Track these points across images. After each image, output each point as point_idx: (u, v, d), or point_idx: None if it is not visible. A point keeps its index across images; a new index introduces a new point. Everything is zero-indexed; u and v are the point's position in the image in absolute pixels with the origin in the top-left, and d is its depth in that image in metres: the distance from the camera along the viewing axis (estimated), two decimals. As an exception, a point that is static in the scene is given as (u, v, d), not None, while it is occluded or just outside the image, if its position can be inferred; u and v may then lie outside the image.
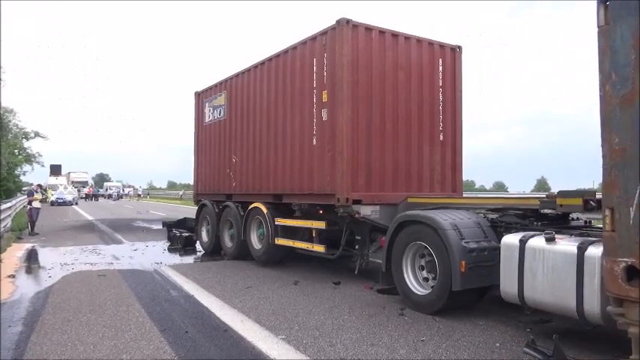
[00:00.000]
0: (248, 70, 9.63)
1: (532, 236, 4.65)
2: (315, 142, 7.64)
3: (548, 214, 5.31)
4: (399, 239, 6.12)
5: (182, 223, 13.22)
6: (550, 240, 4.41)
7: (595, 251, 4.04)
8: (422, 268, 6.04)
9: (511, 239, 4.80)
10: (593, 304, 4.02)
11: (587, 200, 4.53)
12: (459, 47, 8.30)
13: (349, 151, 7.10)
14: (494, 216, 5.84)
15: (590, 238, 4.28)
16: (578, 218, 5.66)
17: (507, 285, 4.78)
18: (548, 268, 4.37)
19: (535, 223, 5.31)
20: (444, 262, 5.40)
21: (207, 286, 7.30)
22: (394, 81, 7.57)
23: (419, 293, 5.84)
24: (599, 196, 4.30)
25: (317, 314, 5.70)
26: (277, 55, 8.66)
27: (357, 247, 7.51)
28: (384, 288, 6.85)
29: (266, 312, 5.80)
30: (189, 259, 10.63)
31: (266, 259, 9.11)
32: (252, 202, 9.41)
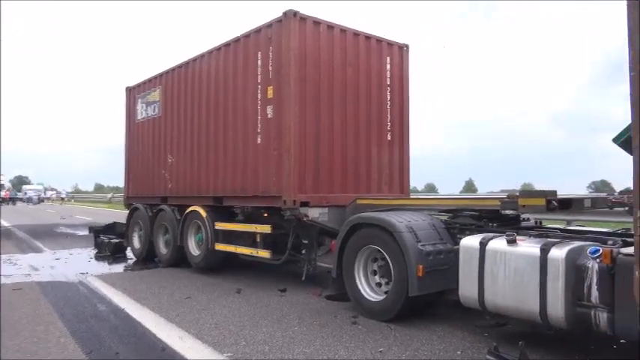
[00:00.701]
0: (186, 63, 9.01)
1: (492, 238, 4.49)
2: (259, 141, 7.20)
3: (500, 216, 5.21)
4: (351, 243, 5.81)
5: (111, 229, 12.23)
6: (512, 242, 4.25)
7: (558, 253, 3.91)
8: (374, 272, 5.77)
9: (471, 241, 4.61)
10: (557, 307, 3.88)
11: (550, 200, 4.42)
12: (407, 46, 8.16)
13: (297, 150, 6.72)
14: (444, 217, 5.69)
15: (551, 240, 4.16)
16: (528, 219, 5.62)
17: (467, 289, 4.59)
18: (510, 271, 4.21)
19: (491, 224, 5.19)
20: (400, 267, 5.14)
21: (139, 298, 6.63)
22: (343, 78, 7.28)
23: (372, 300, 5.55)
24: (560, 196, 4.22)
25: (264, 326, 5.25)
26: (218, 49, 8.13)
27: (304, 251, 7.13)
28: (332, 294, 6.52)
29: (208, 326, 5.28)
30: (119, 268, 9.77)
31: (205, 266, 8.52)
32: (189, 206, 8.78)
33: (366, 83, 7.56)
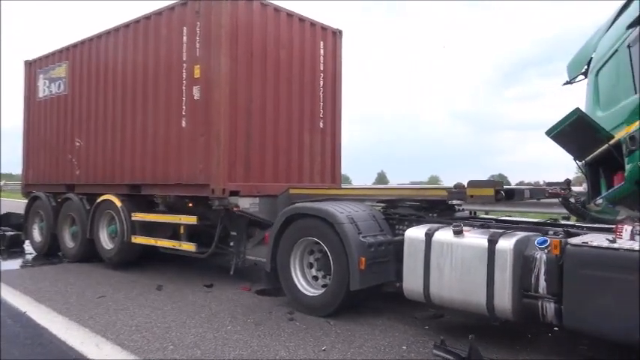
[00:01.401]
0: (99, 36, 8.10)
1: (437, 229, 4.37)
2: (184, 125, 6.61)
3: (434, 206, 5.15)
4: (286, 235, 5.47)
5: (5, 220, 10.85)
6: (458, 233, 4.16)
7: (506, 244, 3.87)
8: (311, 266, 5.49)
9: (416, 233, 4.48)
10: (504, 299, 3.84)
11: (498, 191, 4.39)
12: (340, 31, 7.92)
13: (227, 135, 6.24)
14: (378, 208, 5.54)
15: (497, 230, 4.12)
16: (462, 209, 5.63)
17: (411, 282, 4.45)
18: (456, 262, 4.12)
19: (431, 215, 5.12)
20: (340, 260, 4.90)
21: (43, 299, 5.84)
22: (276, 61, 6.88)
23: (310, 294, 5.27)
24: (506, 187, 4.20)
25: (193, 326, 4.78)
26: (137, 21, 7.37)
27: (232, 244, 6.68)
28: (264, 289, 6.17)
29: (128, 329, 4.71)
30: (15, 264, 8.66)
31: (119, 261, 7.76)
32: (101, 194, 7.95)
33: (299, 68, 7.22)
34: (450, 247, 4.16)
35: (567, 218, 5.36)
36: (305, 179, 7.35)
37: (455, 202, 4.73)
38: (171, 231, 7.39)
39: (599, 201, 4.72)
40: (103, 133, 7.97)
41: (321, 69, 7.60)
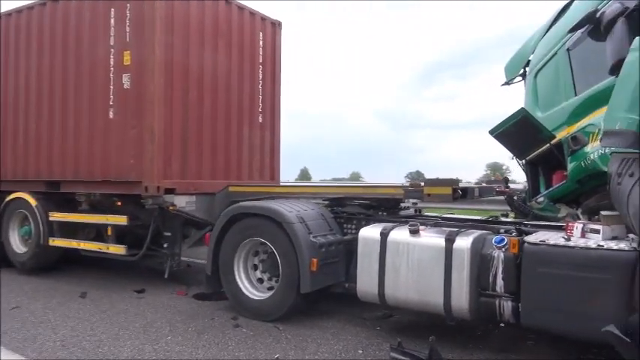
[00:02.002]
0: (8, 14, 7.20)
1: (392, 228, 4.27)
2: (112, 116, 6.03)
3: (380, 204, 5.07)
4: (230, 236, 5.14)
5: None
6: (415, 232, 4.08)
7: (464, 243, 3.84)
8: (255, 267, 5.21)
9: (370, 232, 4.35)
10: (461, 298, 3.81)
11: (455, 189, 4.36)
12: (279, 23, 7.64)
13: (162, 129, 5.77)
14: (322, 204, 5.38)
15: (453, 229, 4.08)
16: (407, 207, 5.61)
17: (366, 283, 4.32)
18: (413, 262, 4.04)
19: (380, 213, 5.03)
20: (290, 261, 4.66)
21: (-57, 313, 5.08)
22: (214, 50, 6.48)
23: (256, 298, 4.99)
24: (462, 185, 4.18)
25: (128, 339, 4.34)
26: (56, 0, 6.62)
27: (165, 245, 6.21)
28: (202, 293, 5.79)
29: (52, 345, 4.18)
30: None
31: (34, 266, 6.98)
32: (11, 192, 7.11)
33: (238, 58, 6.86)
34: (407, 246, 4.07)
35: (506, 215, 5.51)
36: (244, 176, 7.01)
37: (412, 200, 4.67)
38: (95, 232, 6.76)
39: (541, 199, 4.87)
40: (14, 123, 7.11)
41: (260, 61, 7.28)
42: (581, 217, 4.59)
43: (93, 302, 5.56)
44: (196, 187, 6.20)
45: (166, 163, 5.87)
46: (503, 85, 6.21)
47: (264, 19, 7.33)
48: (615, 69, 3.97)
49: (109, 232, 6.24)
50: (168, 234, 6.16)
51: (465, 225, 4.40)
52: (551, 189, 4.85)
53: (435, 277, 3.90)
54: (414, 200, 4.61)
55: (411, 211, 5.48)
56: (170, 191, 5.88)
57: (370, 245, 4.28)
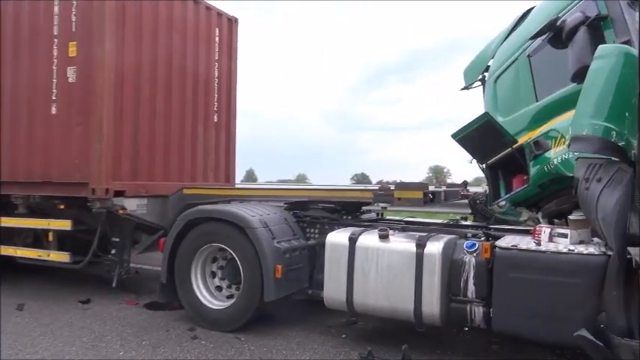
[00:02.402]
0: None
1: (361, 233, 4.16)
2: (55, 111, 5.56)
3: (343, 207, 4.96)
4: (187, 241, 4.85)
5: None
6: (384, 237, 3.98)
7: (435, 248, 3.78)
8: (213, 275, 4.95)
9: (339, 237, 4.21)
10: (432, 304, 3.74)
11: (426, 193, 4.30)
12: (236, 19, 7.38)
13: (111, 126, 5.37)
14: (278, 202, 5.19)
15: (423, 234, 4.02)
16: (369, 210, 5.53)
17: (333, 290, 4.17)
18: (383, 268, 3.94)
19: (346, 217, 4.91)
20: (252, 268, 4.45)
21: None
22: (168, 45, 6.14)
23: (215, 307, 4.72)
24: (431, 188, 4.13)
25: (75, 355, 3.98)
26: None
27: (113, 251, 5.80)
28: (152, 302, 5.45)
29: (-14, 365, 3.75)
30: None
31: (-39, 276, 6.34)
32: None
33: (194, 54, 6.55)
34: (376, 252, 3.97)
35: (465, 219, 5.54)
36: (198, 178, 6.70)
37: (382, 204, 4.57)
38: (32, 237, 6.23)
39: (503, 202, 4.91)
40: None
41: (216, 58, 6.99)
42: (541, 220, 4.67)
43: (32, 315, 5.09)
44: (148, 189, 5.83)
45: (116, 163, 5.48)
46: (462, 89, 6.26)
47: (220, 14, 7.05)
48: (577, 76, 4.06)
49: (51, 238, 5.76)
50: (117, 239, 5.77)
51: (432, 229, 4.36)
52: (512, 193, 4.90)
53: (405, 283, 3.82)
54: (384, 204, 4.52)
55: (373, 215, 5.40)
56: (119, 193, 5.49)
57: (338, 251, 4.14)
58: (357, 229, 4.24)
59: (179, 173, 6.36)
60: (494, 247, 3.60)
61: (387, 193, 4.30)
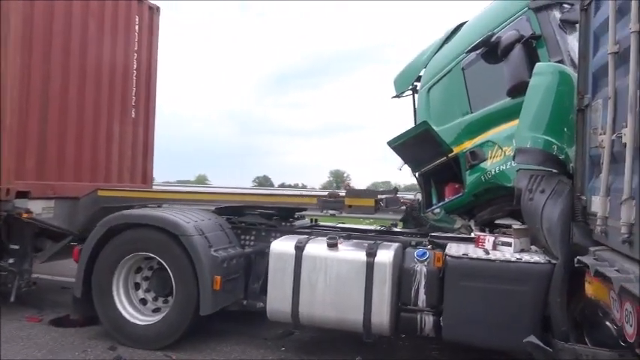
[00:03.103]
0: None
1: (307, 242, 3.99)
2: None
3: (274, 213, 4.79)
4: (109, 250, 4.35)
5: None
6: (333, 246, 3.85)
7: (386, 257, 3.72)
8: (137, 286, 4.49)
9: (284, 246, 4.00)
10: (382, 314, 3.68)
11: (378, 201, 4.22)
12: (157, 8, 6.85)
13: (14, 119, 4.68)
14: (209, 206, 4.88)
15: (371, 242, 3.94)
16: (303, 216, 5.39)
17: (277, 302, 3.95)
18: (331, 278, 3.80)
19: (287, 223, 4.71)
20: (187, 279, 4.09)
21: None
22: (83, 31, 5.51)
23: (141, 323, 4.28)
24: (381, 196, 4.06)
25: (-28, 387, 3.35)
26: None
27: (11, 261, 5.05)
28: (59, 318, 4.84)
29: None
30: None
31: None
32: None
33: (111, 44, 5.95)
34: (325, 261, 3.83)
35: (395, 225, 5.60)
36: (113, 178, 6.09)
37: (330, 212, 4.42)
38: None
39: (437, 210, 5.01)
40: None
41: (136, 48, 6.42)
42: (473, 228, 4.84)
43: None
44: (56, 190, 5.18)
45: (19, 160, 4.79)
46: (393, 97, 6.34)
47: (141, 1, 6.49)
48: (513, 91, 4.25)
49: None
50: (16, 247, 5.05)
51: (372, 237, 4.32)
52: (447, 201, 5.02)
53: (355, 292, 3.72)
54: (333, 212, 4.38)
55: (307, 221, 5.26)
56: (23, 194, 4.80)
57: (283, 260, 3.93)
58: (302, 237, 4.06)
59: (92, 173, 5.73)
60: (445, 255, 3.62)
61: (336, 200, 4.18)
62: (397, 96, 6.32)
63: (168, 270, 4.18)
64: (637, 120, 2.54)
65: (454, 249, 3.72)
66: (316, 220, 5.40)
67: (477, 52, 4.78)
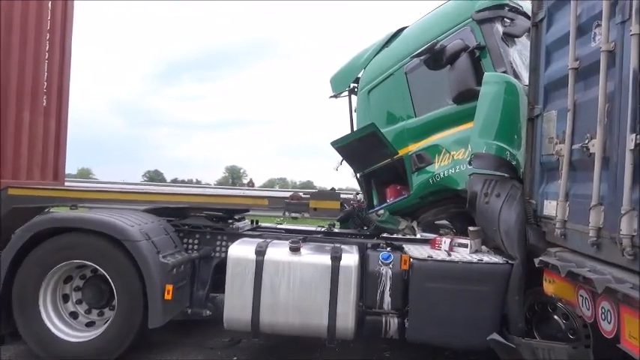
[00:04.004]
0: None
1: (267, 246, 3.81)
2: None
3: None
4: (34, 258, 3.80)
5: None
6: (296, 250, 3.72)
7: (351, 260, 3.68)
8: (66, 298, 4.00)
9: (243, 251, 3.78)
10: (347, 318, 3.63)
11: (342, 204, 4.12)
12: (72, -13, 6.14)
13: None
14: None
15: (335, 245, 3.88)
16: (243, 218, 5.19)
17: (236, 310, 3.72)
18: (295, 283, 3.67)
19: (232, 224, 4.48)
20: (132, 290, 3.71)
21: None
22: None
23: (74, 340, 3.80)
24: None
25: None
26: None
27: None
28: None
29: None
30: None
31: None
32: None
33: (21, 24, 5.21)
34: (288, 265, 3.68)
35: (333, 225, 5.58)
36: (21, 174, 5.31)
37: (293, 215, 4.24)
38: None
39: (381, 211, 5.09)
40: None
41: (48, 27, 5.70)
42: (416, 229, 5.00)
43: None
44: (-45, 188, 4.42)
45: None
46: (331, 97, 6.33)
47: (54, -22, 5.76)
48: (459, 98, 4.44)
49: None
50: None
51: (333, 240, 4.25)
52: (392, 202, 5.11)
53: (319, 297, 3.63)
54: (296, 214, 4.22)
55: (247, 223, 5.06)
56: None
57: (244, 265, 3.71)
58: (261, 242, 3.87)
59: (-3, 168, 4.97)
60: (410, 258, 3.66)
61: (300, 203, 4.04)
62: (335, 96, 6.32)
63: (109, 279, 3.76)
64: (605, 132, 2.77)
65: (417, 251, 3.79)
66: (257, 222, 5.21)
67: (421, 57, 4.91)
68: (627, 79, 2.54)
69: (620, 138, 2.58)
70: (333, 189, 6.36)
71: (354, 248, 3.87)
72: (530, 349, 3.36)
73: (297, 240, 3.78)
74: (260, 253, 3.72)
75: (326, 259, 3.67)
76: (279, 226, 5.21)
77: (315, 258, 3.72)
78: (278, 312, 3.67)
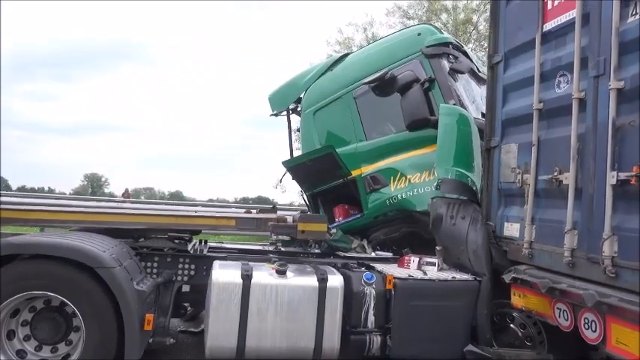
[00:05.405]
0: None
1: (252, 269, 3.72)
2: None
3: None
4: (-22, 292, 3.25)
5: None
6: (282, 273, 3.70)
7: (337, 281, 3.77)
8: (11, 335, 3.48)
9: (228, 276, 3.63)
10: (333, 340, 3.70)
11: (328, 226, 4.13)
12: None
13: None
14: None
15: (321, 267, 3.92)
16: (191, 238, 4.98)
17: (221, 337, 3.56)
18: (283, 307, 3.64)
19: (192, 249, 4.28)
20: (103, 321, 3.37)
21: None
22: None
23: (30, 382, 3.31)
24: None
25: None
26: None
27: None
28: None
29: None
30: None
31: None
32: None
33: None
34: (276, 289, 3.64)
35: (274, 243, 5.59)
36: None
37: (281, 237, 4.13)
38: None
39: (334, 230, 5.23)
40: None
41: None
42: (366, 247, 5.23)
43: None
44: None
45: None
46: (271, 115, 6.36)
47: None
48: (412, 126, 4.81)
49: None
50: None
51: (292, 259, 4.28)
52: (345, 221, 5.29)
53: (307, 319, 3.66)
54: (283, 237, 4.14)
55: (196, 242, 4.86)
56: None
57: (229, 291, 3.58)
58: (245, 265, 3.77)
59: None
60: (394, 278, 3.84)
61: (288, 226, 3.98)
62: (275, 114, 6.36)
63: (76, 310, 3.36)
64: (577, 167, 3.25)
65: (395, 271, 3.99)
66: (206, 242, 5.02)
67: (371, 84, 5.20)
68: (603, 124, 3.03)
69: (596, 173, 3.05)
70: (274, 206, 6.39)
71: (334, 270, 3.95)
72: (498, 357, 3.75)
73: (284, 263, 3.75)
74: (247, 277, 3.63)
75: (313, 281, 3.71)
76: (236, 247, 5.09)
77: (301, 280, 3.73)
78: (266, 336, 3.61)
